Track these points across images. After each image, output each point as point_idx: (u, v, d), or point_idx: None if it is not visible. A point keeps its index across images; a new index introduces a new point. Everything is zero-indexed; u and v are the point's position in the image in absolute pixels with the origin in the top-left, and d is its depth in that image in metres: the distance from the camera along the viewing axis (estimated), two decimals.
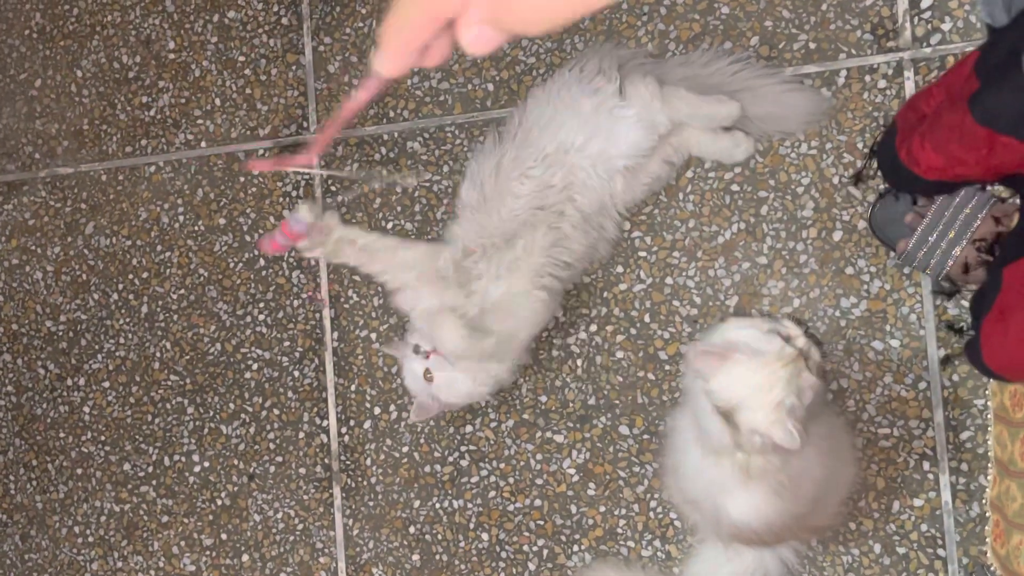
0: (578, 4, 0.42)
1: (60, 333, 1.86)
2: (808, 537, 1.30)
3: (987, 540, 1.33)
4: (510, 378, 1.49)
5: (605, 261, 1.54)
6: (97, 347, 1.83)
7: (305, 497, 1.71)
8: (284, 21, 1.74)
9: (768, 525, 1.18)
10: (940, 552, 1.41)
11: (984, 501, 1.35)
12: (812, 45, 1.46)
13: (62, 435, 1.85)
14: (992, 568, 1.30)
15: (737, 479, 1.16)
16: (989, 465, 1.35)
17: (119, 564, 1.81)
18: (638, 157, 1.42)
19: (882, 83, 1.43)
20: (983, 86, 1.11)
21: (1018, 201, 1.32)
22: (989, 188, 1.34)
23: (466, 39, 0.43)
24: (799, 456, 1.15)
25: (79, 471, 1.84)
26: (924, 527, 1.41)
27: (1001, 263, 1.19)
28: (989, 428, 1.36)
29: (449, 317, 1.38)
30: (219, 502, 1.76)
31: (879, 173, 1.40)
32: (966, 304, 1.39)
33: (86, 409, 1.84)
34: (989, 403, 1.35)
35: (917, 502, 1.42)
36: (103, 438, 1.83)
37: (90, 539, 1.83)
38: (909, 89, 1.42)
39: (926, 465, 1.41)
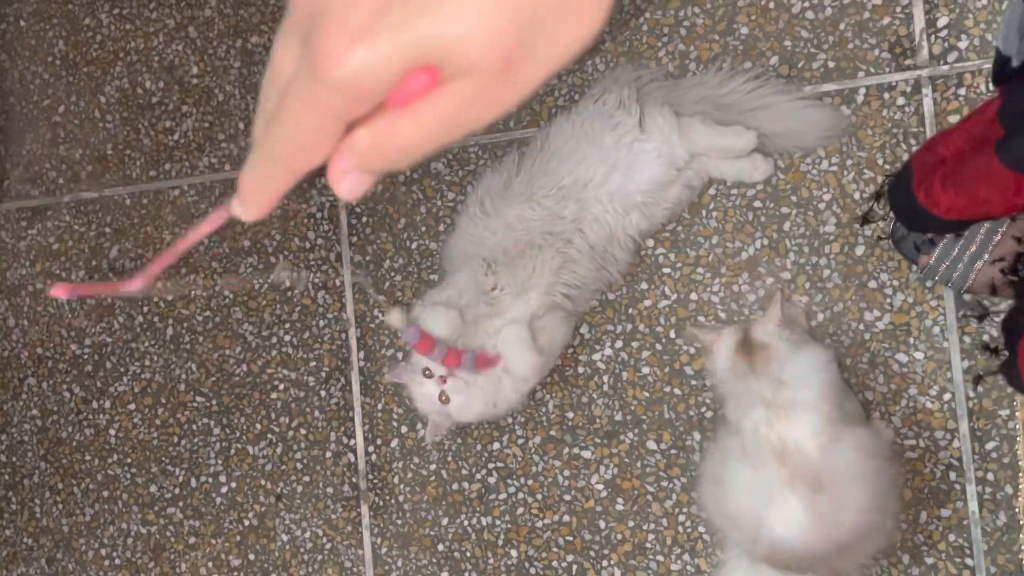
0: (449, 133, 0.41)
1: (85, 356, 1.87)
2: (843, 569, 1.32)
3: (1022, 547, 1.34)
4: (523, 403, 1.52)
5: (622, 283, 1.56)
6: (122, 369, 1.85)
7: (333, 516, 1.72)
8: None
9: (807, 547, 1.19)
10: (968, 561, 1.42)
11: (1016, 509, 1.37)
12: (831, 64, 1.49)
13: (88, 458, 1.86)
14: None
15: (781, 486, 1.19)
16: (1021, 475, 1.36)
17: None
18: (656, 191, 1.45)
19: (901, 100, 1.46)
20: (1008, 132, 1.14)
21: None
22: None
23: (341, 189, 0.42)
24: (842, 474, 1.19)
25: (105, 493, 1.85)
26: (952, 537, 1.43)
27: None
28: (1018, 438, 1.38)
29: (523, 338, 1.39)
30: (246, 522, 1.77)
31: (888, 214, 1.43)
32: (990, 313, 1.42)
33: (112, 431, 1.85)
34: (1017, 413, 1.38)
35: (944, 512, 1.43)
36: (129, 460, 1.84)
37: (117, 561, 1.84)
38: (927, 106, 1.45)
39: (952, 476, 1.43)
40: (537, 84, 0.41)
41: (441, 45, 0.38)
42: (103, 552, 1.84)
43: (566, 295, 1.48)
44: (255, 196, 0.43)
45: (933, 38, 1.45)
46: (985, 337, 1.42)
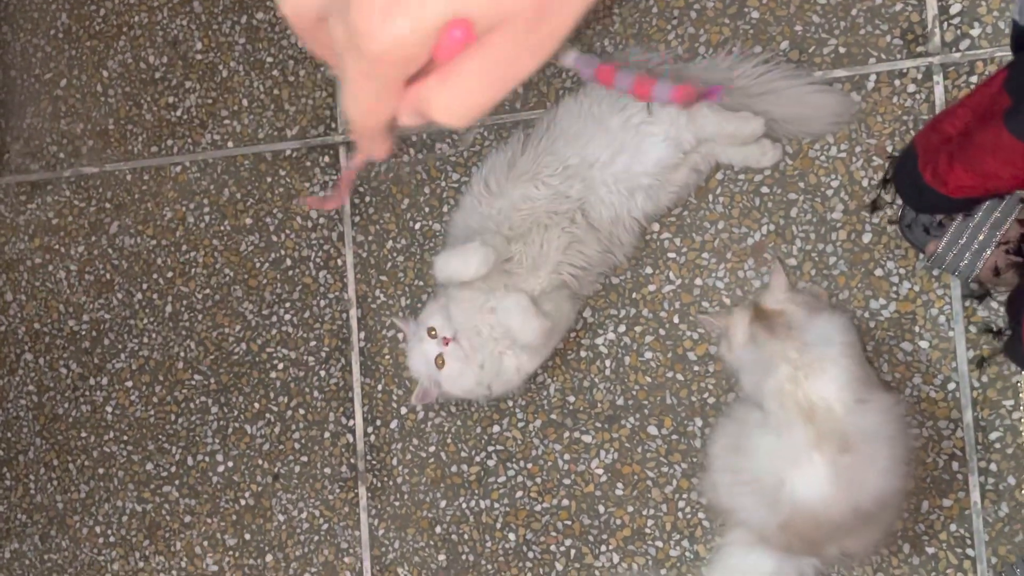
0: (497, 85, 0.42)
1: (83, 332, 1.86)
2: (850, 550, 1.31)
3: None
4: (522, 387, 1.51)
5: (626, 267, 1.55)
6: (120, 346, 1.83)
7: (330, 497, 1.71)
8: None
9: (829, 511, 1.19)
10: (969, 552, 1.42)
11: (1019, 497, 1.36)
12: (842, 50, 1.48)
13: (84, 435, 1.85)
14: None
15: (806, 449, 1.20)
16: None
17: (140, 564, 1.80)
18: (662, 174, 1.44)
19: (911, 87, 1.45)
20: (1017, 101, 1.12)
21: None
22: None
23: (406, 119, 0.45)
24: (868, 436, 1.21)
25: (101, 471, 1.83)
26: (953, 527, 1.42)
27: None
28: (1022, 419, 1.37)
29: (525, 305, 1.38)
30: (243, 502, 1.75)
31: (896, 200, 1.42)
32: (994, 305, 1.41)
33: (108, 409, 1.84)
34: (1022, 394, 1.37)
35: (946, 502, 1.43)
36: (125, 438, 1.82)
37: (111, 539, 1.82)
38: (938, 94, 1.44)
39: (955, 465, 1.42)
40: (572, 25, 0.42)
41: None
42: (97, 529, 1.83)
43: (572, 275, 1.47)
44: (363, 144, 0.47)
45: (945, 25, 1.44)
46: (984, 314, 1.41)
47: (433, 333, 1.44)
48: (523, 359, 1.44)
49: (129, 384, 1.82)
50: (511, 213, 1.45)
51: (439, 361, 1.43)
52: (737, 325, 1.37)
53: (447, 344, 1.42)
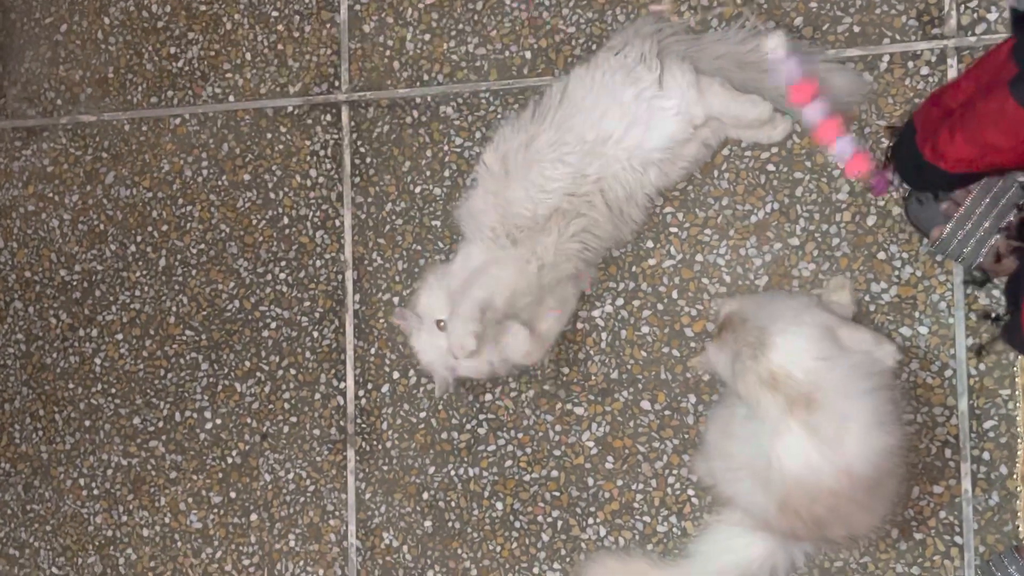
0: None
1: (74, 283, 1.83)
2: (845, 533, 1.31)
3: (1019, 514, 1.33)
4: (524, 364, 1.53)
5: (628, 241, 1.54)
6: (112, 298, 1.81)
7: (318, 459, 1.69)
8: None
9: (818, 476, 1.20)
10: (957, 539, 1.41)
11: (1010, 487, 1.36)
12: (856, 28, 1.46)
13: (71, 386, 1.83)
14: None
15: (781, 419, 1.22)
16: (1019, 441, 1.36)
17: (124, 518, 1.79)
18: (673, 148, 1.43)
19: (925, 70, 1.43)
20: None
21: None
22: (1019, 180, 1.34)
23: None
24: (837, 393, 1.23)
25: (87, 423, 1.82)
26: (943, 514, 1.42)
27: None
28: (1018, 404, 1.37)
29: (521, 329, 1.44)
30: (229, 460, 1.74)
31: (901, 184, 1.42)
32: (996, 294, 1.40)
33: (97, 361, 1.82)
34: (1017, 379, 1.37)
35: (937, 489, 1.42)
36: (113, 391, 1.80)
37: (95, 492, 1.81)
38: (951, 77, 1.42)
39: (948, 452, 1.42)
40: None
41: None
42: (81, 482, 1.82)
43: (582, 262, 1.47)
44: None
45: (963, 8, 1.42)
46: (985, 302, 1.40)
47: (443, 324, 1.43)
48: (525, 357, 1.47)
49: (119, 337, 1.80)
50: (533, 195, 1.43)
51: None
52: (709, 350, 1.41)
53: None
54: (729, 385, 1.38)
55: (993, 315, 1.40)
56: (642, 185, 1.45)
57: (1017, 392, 1.37)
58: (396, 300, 1.66)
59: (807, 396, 1.22)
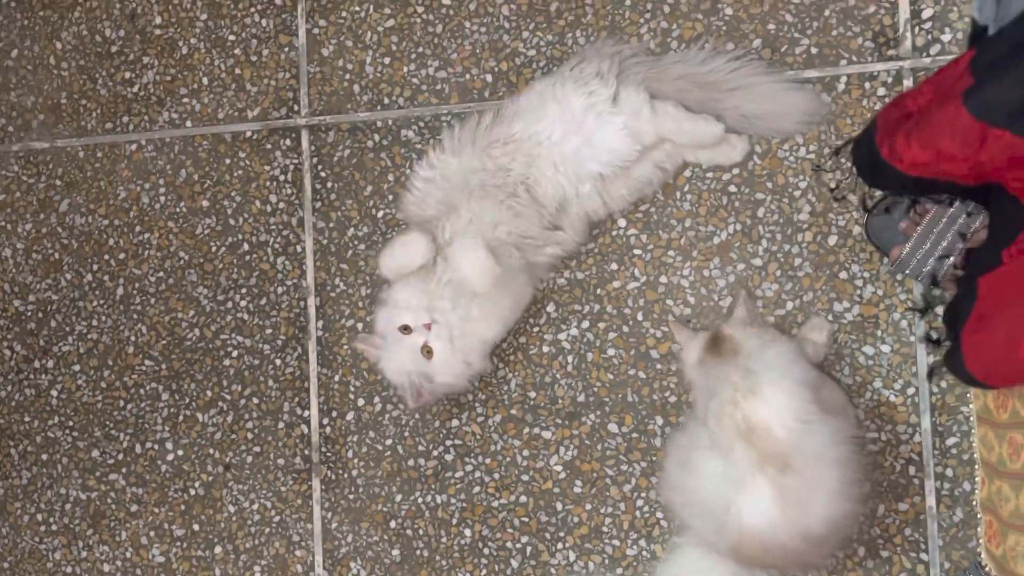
0: None
1: (29, 313, 1.79)
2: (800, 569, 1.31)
3: (980, 541, 1.34)
4: (489, 367, 1.48)
5: (590, 264, 1.53)
6: (68, 329, 1.77)
7: (283, 489, 1.67)
8: (278, 1, 1.70)
9: (776, 534, 1.18)
10: (923, 556, 1.42)
11: (974, 503, 1.37)
12: (814, 50, 1.47)
13: (27, 419, 1.78)
14: (987, 569, 1.31)
15: (750, 471, 1.17)
16: (976, 468, 1.36)
17: (83, 554, 1.75)
18: (616, 166, 1.42)
19: (881, 91, 1.45)
20: (979, 81, 1.12)
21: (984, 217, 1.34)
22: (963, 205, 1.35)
23: None
24: (812, 458, 1.19)
25: (44, 456, 1.77)
26: (908, 531, 1.43)
27: (976, 273, 1.21)
28: (973, 431, 1.38)
29: (475, 243, 1.38)
30: (192, 492, 1.71)
31: (846, 170, 1.42)
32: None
33: (54, 393, 1.77)
34: (971, 406, 1.37)
35: (902, 506, 1.43)
36: (71, 423, 1.76)
37: (54, 527, 1.76)
38: None
39: (912, 470, 1.43)
40: None
41: None
42: (39, 517, 1.77)
43: (515, 244, 1.44)
44: None
45: (917, 29, 1.44)
46: (926, 330, 1.42)
47: (407, 329, 1.40)
48: (482, 327, 1.42)
49: (76, 368, 1.76)
50: (461, 183, 1.44)
51: (426, 350, 1.39)
52: (691, 347, 1.37)
53: (430, 329, 1.38)
54: (694, 401, 1.37)
55: (935, 338, 1.41)
56: (578, 197, 1.44)
57: (972, 419, 1.38)
58: (360, 326, 1.64)
59: (783, 457, 1.19)
